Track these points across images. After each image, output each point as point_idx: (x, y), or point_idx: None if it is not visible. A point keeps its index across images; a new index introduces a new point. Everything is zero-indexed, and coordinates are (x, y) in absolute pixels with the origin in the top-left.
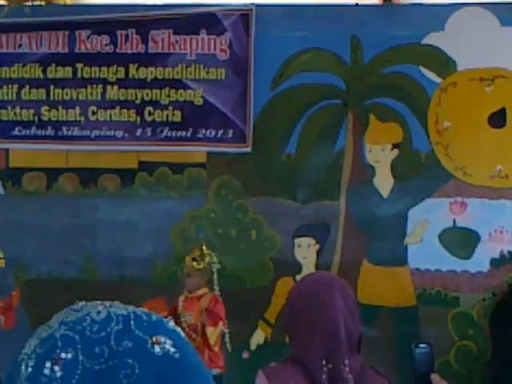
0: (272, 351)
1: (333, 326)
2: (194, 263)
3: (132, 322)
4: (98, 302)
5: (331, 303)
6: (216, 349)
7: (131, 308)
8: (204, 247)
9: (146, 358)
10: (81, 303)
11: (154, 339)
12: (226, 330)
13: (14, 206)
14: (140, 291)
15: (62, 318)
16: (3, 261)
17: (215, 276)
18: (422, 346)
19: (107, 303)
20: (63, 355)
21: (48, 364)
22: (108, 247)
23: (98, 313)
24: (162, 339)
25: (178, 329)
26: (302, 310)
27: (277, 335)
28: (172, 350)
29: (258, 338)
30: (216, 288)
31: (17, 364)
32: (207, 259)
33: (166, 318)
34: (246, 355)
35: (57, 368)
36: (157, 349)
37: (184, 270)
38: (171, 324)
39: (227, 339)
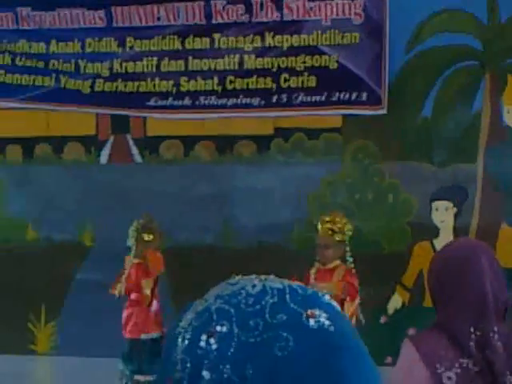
0: (409, 316)
1: (481, 293)
2: (335, 236)
3: (287, 296)
4: (254, 276)
5: (478, 269)
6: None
7: (286, 282)
8: (343, 218)
9: (301, 331)
10: (237, 277)
11: (308, 312)
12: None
13: (151, 174)
14: (278, 257)
15: (217, 292)
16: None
17: (349, 248)
18: None
19: (263, 277)
20: (218, 328)
21: (204, 337)
22: (245, 214)
23: (254, 286)
24: (317, 312)
25: (334, 302)
26: (448, 276)
27: (414, 300)
28: (327, 322)
29: (396, 302)
30: (350, 260)
31: (174, 337)
32: (346, 230)
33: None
34: (383, 320)
35: (212, 340)
36: (311, 322)
37: (319, 241)
38: (327, 297)
39: (359, 311)
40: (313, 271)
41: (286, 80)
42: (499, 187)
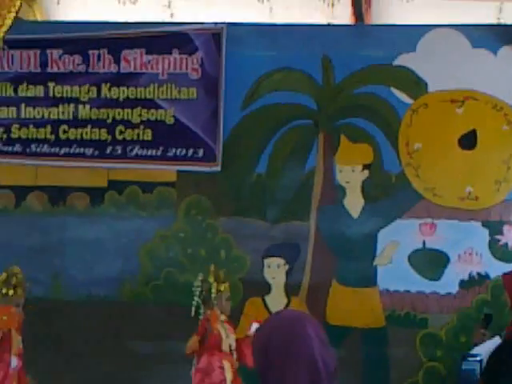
0: (241, 370)
1: (312, 361)
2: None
3: None
4: None
5: (306, 339)
6: None
7: None
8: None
9: None
10: None
11: None
12: None
13: None
14: (109, 310)
15: None
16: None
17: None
18: (470, 359)
19: None
20: None
21: None
22: (76, 266)
23: None
24: None
25: None
26: (276, 351)
27: None
28: None
29: None
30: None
31: None
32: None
33: None
34: None
35: None
36: None
37: (227, 295)
38: None
39: None
40: (219, 323)
41: (121, 132)
42: (330, 245)
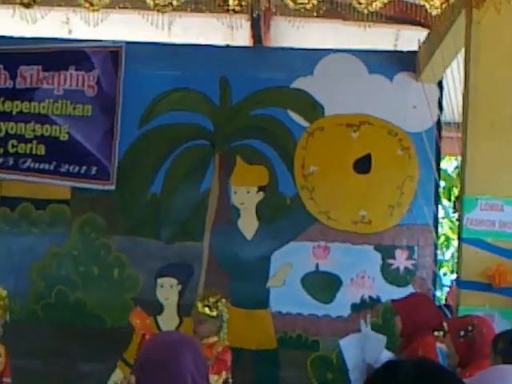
0: None
1: (181, 381)
2: (207, 309)
3: None
4: None
5: (177, 360)
6: None
7: None
8: (219, 295)
9: None
10: None
11: None
12: (230, 380)
13: None
14: None
15: None
16: None
17: (225, 324)
18: None
19: None
20: None
21: None
22: None
23: None
24: None
25: None
26: (151, 368)
27: None
28: None
29: (116, 378)
30: (225, 337)
31: None
32: (220, 307)
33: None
34: None
35: None
36: None
37: (193, 317)
38: None
39: None
40: None
41: (13, 146)
42: (224, 266)
